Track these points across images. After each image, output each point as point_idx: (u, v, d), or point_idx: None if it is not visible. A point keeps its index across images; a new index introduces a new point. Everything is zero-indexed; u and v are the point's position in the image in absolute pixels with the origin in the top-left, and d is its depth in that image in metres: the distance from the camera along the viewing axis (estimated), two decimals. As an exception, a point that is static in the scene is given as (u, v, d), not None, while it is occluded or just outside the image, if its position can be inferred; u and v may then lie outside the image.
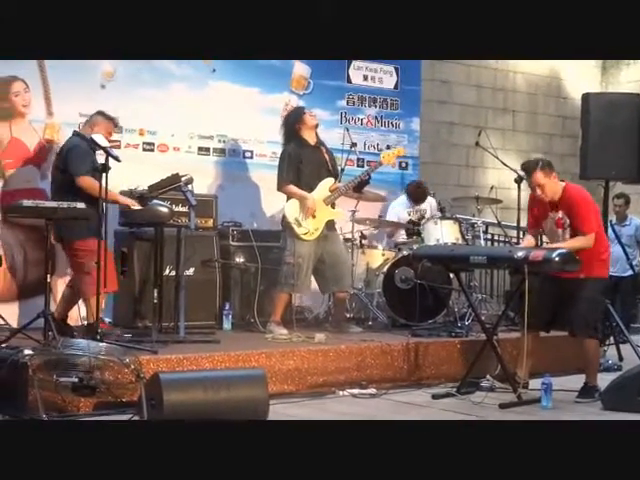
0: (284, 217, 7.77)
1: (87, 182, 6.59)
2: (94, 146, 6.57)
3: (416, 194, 9.20)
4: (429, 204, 9.26)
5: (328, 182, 7.81)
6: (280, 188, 7.79)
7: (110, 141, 6.90)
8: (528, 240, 6.94)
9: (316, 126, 7.87)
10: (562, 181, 6.72)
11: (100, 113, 7.10)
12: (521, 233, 8.75)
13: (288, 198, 7.75)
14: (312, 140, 7.80)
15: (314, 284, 8.03)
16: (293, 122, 7.82)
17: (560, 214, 6.59)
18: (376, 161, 8.34)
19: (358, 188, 7.93)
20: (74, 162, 6.73)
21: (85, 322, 6.87)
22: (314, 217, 7.66)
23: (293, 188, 7.68)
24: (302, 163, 7.71)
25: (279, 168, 7.80)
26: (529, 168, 6.65)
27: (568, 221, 6.57)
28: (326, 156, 7.87)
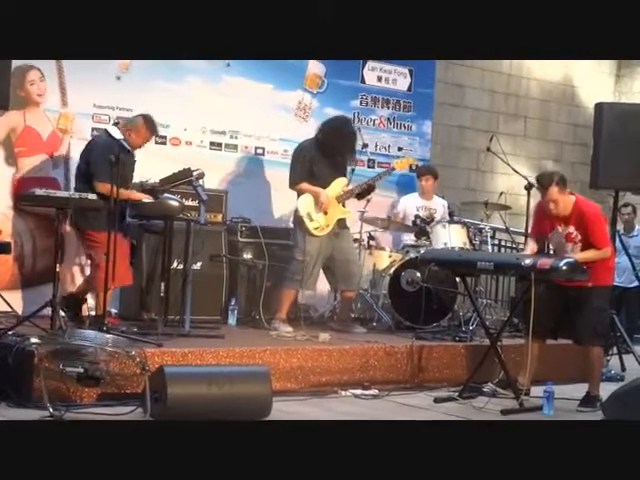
0: (296, 211, 7.81)
1: (103, 188, 6.59)
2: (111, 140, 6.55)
3: (420, 170, 9.27)
4: (440, 204, 9.25)
5: (342, 181, 7.88)
6: (292, 186, 7.83)
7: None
8: (531, 247, 6.92)
9: None
10: (572, 194, 6.71)
11: (144, 117, 7.09)
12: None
13: (299, 195, 7.78)
14: (332, 153, 7.84)
15: (320, 283, 8.07)
16: (336, 138, 7.79)
17: (571, 229, 6.58)
18: (389, 164, 8.42)
19: (361, 195, 8.04)
20: (95, 164, 6.73)
21: (92, 312, 6.90)
22: (326, 213, 7.71)
23: (306, 185, 7.72)
24: (316, 164, 7.75)
25: (292, 166, 7.84)
26: (544, 182, 6.60)
27: (579, 236, 6.57)
28: (339, 158, 7.90)
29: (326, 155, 7.80)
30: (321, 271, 7.95)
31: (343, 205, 7.94)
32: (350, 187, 7.91)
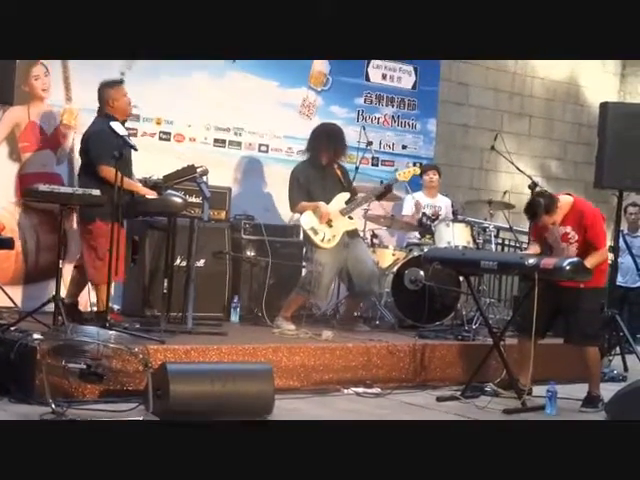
0: (302, 229, 7.82)
1: (107, 172, 6.51)
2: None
3: (424, 167, 9.31)
4: (444, 204, 9.24)
5: (343, 196, 7.84)
6: (293, 209, 7.87)
7: (127, 129, 6.84)
8: (534, 248, 6.91)
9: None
10: (568, 194, 6.67)
11: (107, 85, 7.00)
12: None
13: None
14: (325, 160, 7.81)
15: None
16: (321, 146, 7.79)
17: (568, 229, 6.55)
18: (393, 162, 8.46)
19: (380, 197, 8.03)
20: (95, 149, 6.69)
21: (94, 308, 6.88)
22: (330, 225, 7.67)
23: (304, 203, 7.72)
24: (312, 184, 7.75)
25: (289, 190, 7.82)
26: (532, 216, 6.61)
27: (576, 237, 6.54)
28: (339, 172, 7.90)
29: (320, 171, 7.79)
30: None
31: (350, 218, 7.91)
32: (358, 197, 7.90)
